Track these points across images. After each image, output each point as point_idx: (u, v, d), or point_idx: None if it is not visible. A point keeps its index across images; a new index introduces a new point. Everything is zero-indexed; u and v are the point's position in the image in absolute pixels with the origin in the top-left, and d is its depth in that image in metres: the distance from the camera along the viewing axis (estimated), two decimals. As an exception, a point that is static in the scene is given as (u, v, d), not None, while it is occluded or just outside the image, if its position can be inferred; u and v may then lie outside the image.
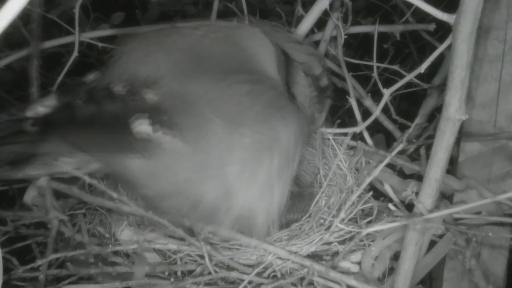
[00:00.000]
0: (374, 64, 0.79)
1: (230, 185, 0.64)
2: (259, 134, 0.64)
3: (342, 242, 0.71)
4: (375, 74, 0.78)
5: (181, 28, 0.73)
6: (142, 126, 0.62)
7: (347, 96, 0.81)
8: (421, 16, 0.93)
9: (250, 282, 0.66)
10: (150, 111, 0.63)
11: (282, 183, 0.68)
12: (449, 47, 0.49)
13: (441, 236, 0.69)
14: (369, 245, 0.70)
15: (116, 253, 0.71)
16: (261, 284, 0.66)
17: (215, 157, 0.63)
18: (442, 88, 0.85)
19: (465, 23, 0.46)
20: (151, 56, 0.67)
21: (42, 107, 0.67)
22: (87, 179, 0.60)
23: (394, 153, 0.61)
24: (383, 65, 0.89)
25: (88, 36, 0.88)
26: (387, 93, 0.72)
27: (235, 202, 0.65)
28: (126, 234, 0.73)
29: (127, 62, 0.68)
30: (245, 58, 0.69)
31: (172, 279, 0.66)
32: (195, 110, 0.63)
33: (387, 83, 0.74)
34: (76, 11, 0.81)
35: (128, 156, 0.64)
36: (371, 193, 0.68)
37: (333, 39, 0.88)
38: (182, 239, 0.68)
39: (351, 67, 0.86)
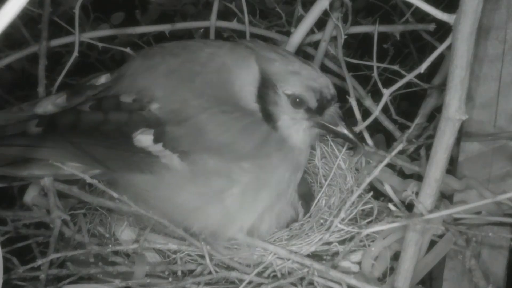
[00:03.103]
0: (374, 64, 0.79)
1: (229, 212, 0.65)
2: (260, 168, 0.65)
3: (342, 242, 0.71)
4: (375, 74, 0.78)
5: (185, 43, 0.73)
6: (143, 137, 0.63)
7: (347, 96, 0.81)
8: (421, 16, 0.93)
9: (250, 282, 0.66)
10: (153, 122, 0.63)
11: (281, 204, 0.70)
12: (449, 47, 0.49)
13: (441, 236, 0.69)
14: (369, 245, 0.70)
15: (116, 252, 0.71)
16: (261, 284, 0.66)
17: (214, 186, 0.64)
18: (442, 88, 0.85)
19: (465, 23, 0.46)
20: (155, 72, 0.68)
21: (52, 106, 0.67)
22: (88, 179, 0.60)
23: (394, 153, 0.61)
24: (383, 65, 0.89)
25: (88, 36, 0.88)
26: (387, 93, 0.72)
27: (235, 228, 0.67)
28: (126, 234, 0.73)
29: (134, 75, 0.69)
30: (230, 84, 0.68)
31: (170, 279, 0.66)
32: (195, 133, 0.64)
33: (387, 83, 0.74)
34: (76, 11, 0.81)
35: (129, 170, 0.65)
36: (371, 193, 0.68)
37: (333, 39, 0.88)
38: (182, 239, 0.68)
39: (351, 67, 0.86)
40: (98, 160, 0.65)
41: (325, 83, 0.67)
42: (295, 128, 0.68)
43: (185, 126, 0.63)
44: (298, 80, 0.66)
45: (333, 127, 0.68)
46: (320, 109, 0.67)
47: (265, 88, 0.66)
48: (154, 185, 0.65)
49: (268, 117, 0.67)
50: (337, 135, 0.70)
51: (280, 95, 0.66)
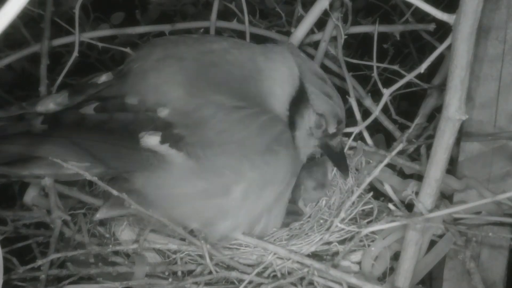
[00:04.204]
0: (374, 64, 0.79)
1: (232, 207, 0.65)
2: (267, 165, 0.65)
3: (342, 242, 0.71)
4: (375, 74, 0.78)
5: (204, 37, 0.73)
6: (150, 138, 0.63)
7: (347, 96, 0.81)
8: (421, 16, 0.93)
9: (250, 282, 0.66)
10: (160, 125, 0.63)
11: (279, 206, 0.71)
12: (449, 47, 0.50)
13: (441, 236, 0.69)
14: (369, 245, 0.70)
15: (116, 253, 0.71)
16: (261, 284, 0.66)
17: (221, 178, 0.64)
18: (442, 88, 0.85)
19: (465, 23, 0.46)
20: (167, 66, 0.67)
21: (53, 104, 0.67)
22: (89, 177, 0.60)
23: (394, 153, 0.61)
24: (383, 65, 0.89)
25: (88, 36, 0.88)
26: (387, 93, 0.72)
27: (235, 224, 0.67)
28: (126, 234, 0.73)
29: (141, 71, 0.67)
30: (259, 87, 0.68)
31: (170, 279, 0.66)
32: (206, 132, 0.64)
33: (387, 83, 0.74)
34: (76, 11, 0.81)
35: (132, 167, 0.64)
36: (371, 193, 0.68)
37: (333, 39, 0.88)
38: (182, 239, 0.68)
39: (351, 67, 0.86)
40: (101, 158, 0.64)
41: (344, 113, 0.72)
42: (307, 142, 0.72)
43: (197, 127, 0.63)
44: (330, 104, 0.70)
45: (336, 152, 0.73)
46: (334, 135, 0.72)
47: (299, 99, 0.69)
48: (158, 183, 0.64)
49: (291, 126, 0.70)
50: (335, 160, 0.74)
51: (310, 110, 0.70)
